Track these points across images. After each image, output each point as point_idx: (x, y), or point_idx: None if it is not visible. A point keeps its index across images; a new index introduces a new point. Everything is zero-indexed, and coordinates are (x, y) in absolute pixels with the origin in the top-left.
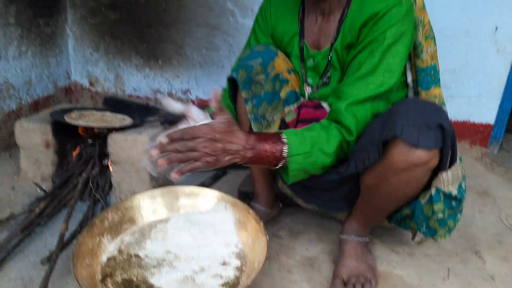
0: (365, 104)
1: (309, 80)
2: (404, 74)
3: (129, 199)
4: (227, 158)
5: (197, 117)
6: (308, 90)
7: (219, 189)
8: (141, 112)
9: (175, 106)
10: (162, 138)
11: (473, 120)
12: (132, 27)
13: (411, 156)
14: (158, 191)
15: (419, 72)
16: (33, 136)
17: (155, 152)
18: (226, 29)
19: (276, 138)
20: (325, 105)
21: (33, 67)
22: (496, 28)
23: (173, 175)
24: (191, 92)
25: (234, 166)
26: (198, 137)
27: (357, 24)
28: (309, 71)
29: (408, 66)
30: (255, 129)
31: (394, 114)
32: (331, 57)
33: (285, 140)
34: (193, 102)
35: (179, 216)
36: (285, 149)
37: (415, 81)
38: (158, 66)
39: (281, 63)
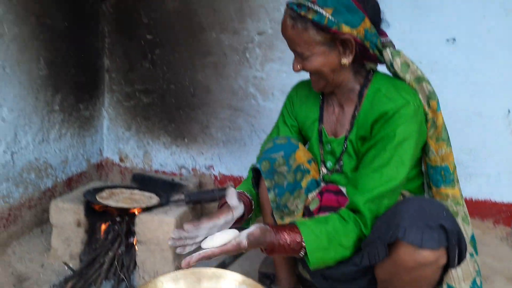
0: (381, 200)
1: (328, 164)
2: (420, 164)
3: (152, 281)
4: None
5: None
6: (323, 171)
7: (240, 267)
8: (167, 188)
9: (232, 201)
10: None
11: (495, 199)
12: (162, 110)
13: (417, 257)
14: (180, 273)
15: (429, 168)
16: (66, 216)
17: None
18: (248, 111)
19: (293, 236)
20: (344, 190)
21: (71, 147)
22: (509, 111)
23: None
24: (214, 168)
25: None
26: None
27: (369, 120)
28: (328, 155)
29: (423, 157)
30: (276, 216)
31: (398, 215)
32: (346, 147)
33: (301, 237)
34: (215, 177)
35: None
36: (302, 252)
37: (426, 175)
38: (184, 143)
39: (301, 155)
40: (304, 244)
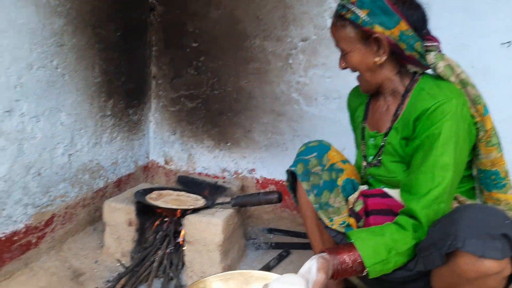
0: (438, 204)
1: (369, 158)
2: (470, 167)
3: (203, 281)
4: None
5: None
6: (364, 164)
7: (284, 270)
8: (211, 190)
9: None
10: None
11: None
12: (206, 114)
13: (480, 267)
14: (230, 275)
15: (479, 171)
16: (118, 215)
17: None
18: (291, 116)
19: (353, 256)
20: (389, 191)
21: (120, 150)
22: None
23: None
24: (256, 172)
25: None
26: None
27: (411, 119)
28: (370, 149)
29: (474, 160)
30: (324, 218)
31: (455, 223)
32: (383, 144)
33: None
34: (257, 181)
35: None
36: (366, 271)
37: (477, 179)
38: (227, 147)
39: (334, 155)
40: (365, 271)
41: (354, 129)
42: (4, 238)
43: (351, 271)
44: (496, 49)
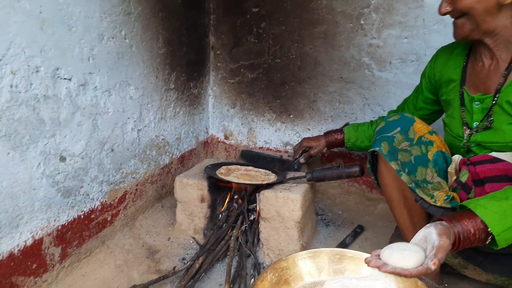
0: None
1: (475, 124)
2: None
3: (286, 258)
4: None
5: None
6: (466, 133)
7: (361, 247)
8: (276, 164)
9: None
10: None
11: None
12: (267, 85)
13: None
14: (314, 252)
15: None
16: (191, 191)
17: None
18: (361, 83)
19: (476, 223)
20: (499, 155)
21: (183, 125)
22: None
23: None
24: None
25: None
26: None
27: None
28: (474, 114)
29: None
30: (424, 196)
31: None
32: (496, 101)
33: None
34: (323, 154)
35: (334, 280)
36: (490, 238)
37: None
38: (289, 120)
39: (420, 127)
40: (489, 229)
41: (442, 93)
42: (83, 216)
43: (473, 240)
44: None
